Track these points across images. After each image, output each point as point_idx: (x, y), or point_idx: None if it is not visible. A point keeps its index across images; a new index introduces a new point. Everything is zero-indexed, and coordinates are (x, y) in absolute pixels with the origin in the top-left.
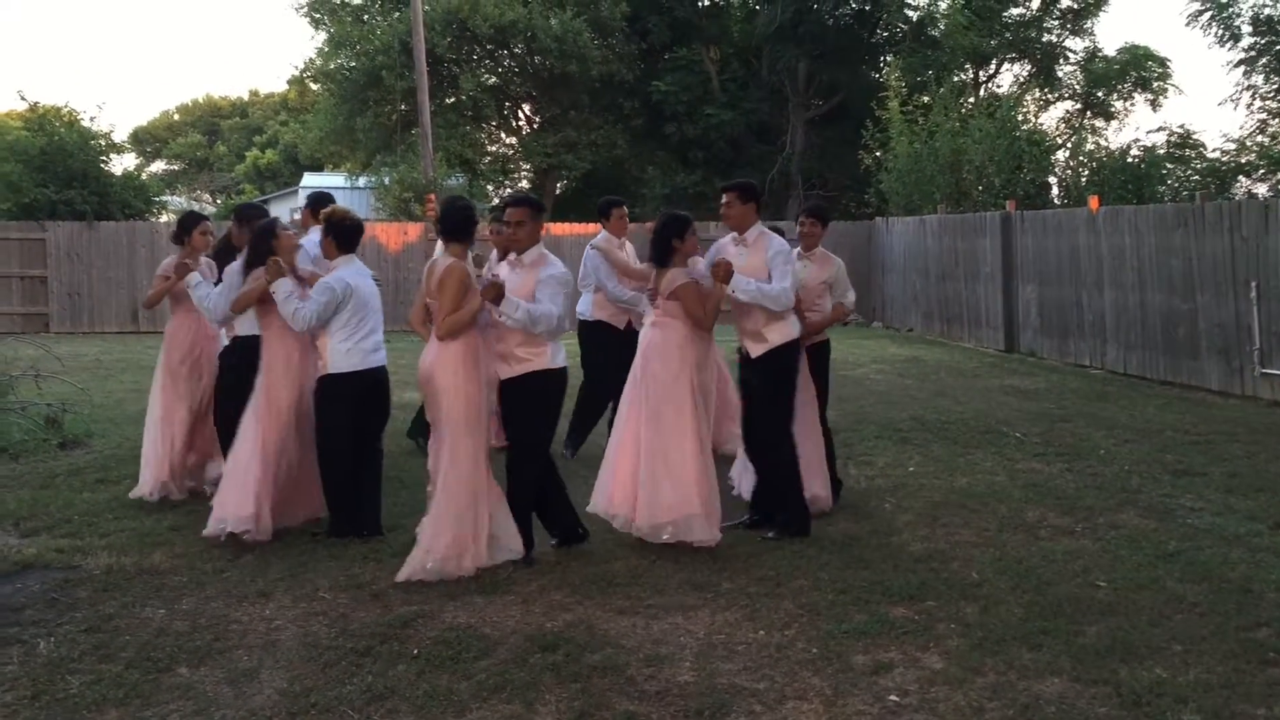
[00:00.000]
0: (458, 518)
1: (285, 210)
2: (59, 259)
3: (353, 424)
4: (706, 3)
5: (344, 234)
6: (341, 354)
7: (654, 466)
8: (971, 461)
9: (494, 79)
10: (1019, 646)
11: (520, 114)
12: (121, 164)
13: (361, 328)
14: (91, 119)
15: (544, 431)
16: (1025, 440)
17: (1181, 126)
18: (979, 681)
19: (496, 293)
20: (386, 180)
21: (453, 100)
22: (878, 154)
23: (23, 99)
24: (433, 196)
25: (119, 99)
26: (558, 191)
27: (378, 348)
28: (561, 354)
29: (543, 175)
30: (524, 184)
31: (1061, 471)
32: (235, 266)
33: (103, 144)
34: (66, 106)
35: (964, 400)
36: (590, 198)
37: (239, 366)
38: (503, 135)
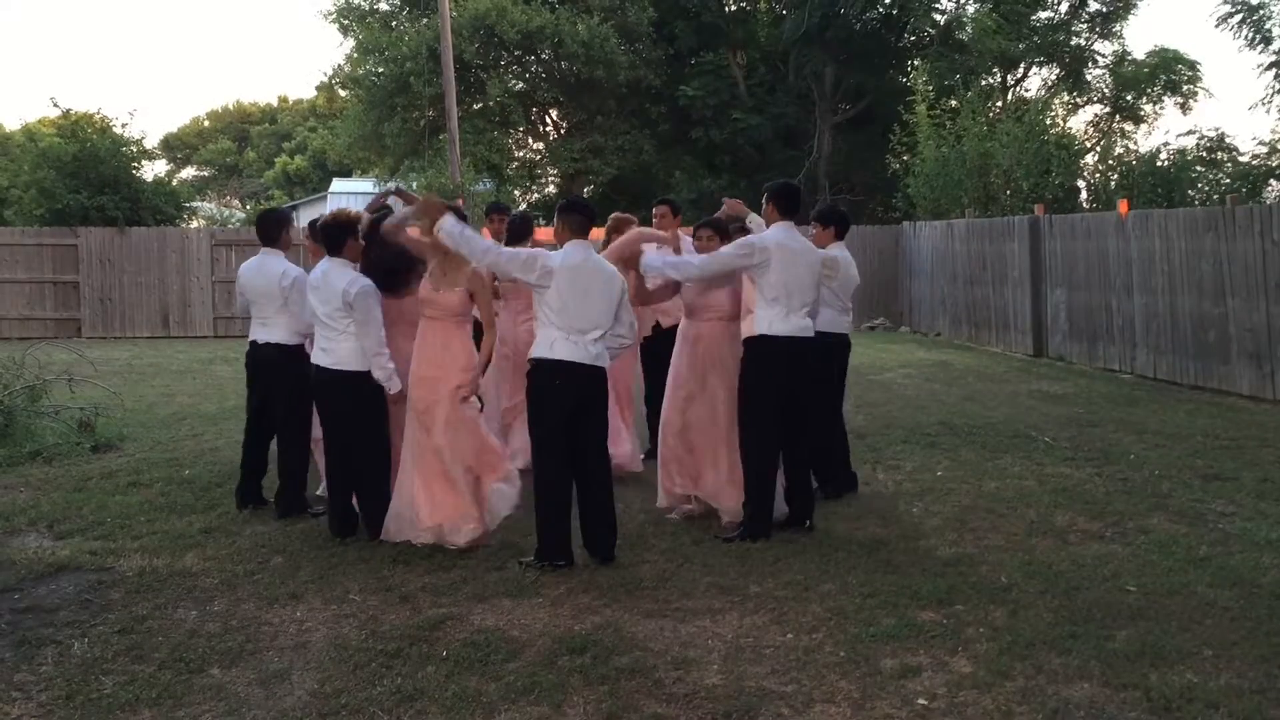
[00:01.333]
0: (398, 488)
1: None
2: (91, 264)
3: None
4: (733, 8)
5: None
6: None
7: None
8: (1000, 466)
9: (521, 85)
10: (1048, 651)
11: (547, 119)
12: (153, 170)
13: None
14: (123, 126)
15: (533, 425)
16: (1054, 445)
17: (1216, 129)
18: (1008, 686)
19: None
20: (414, 186)
21: (480, 106)
22: (905, 158)
23: (55, 106)
24: (461, 202)
25: (150, 106)
26: (585, 196)
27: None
28: (550, 347)
29: (570, 180)
30: (551, 189)
31: (1091, 476)
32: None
33: (134, 150)
34: (99, 113)
35: (992, 405)
36: (617, 203)
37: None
38: (530, 141)
